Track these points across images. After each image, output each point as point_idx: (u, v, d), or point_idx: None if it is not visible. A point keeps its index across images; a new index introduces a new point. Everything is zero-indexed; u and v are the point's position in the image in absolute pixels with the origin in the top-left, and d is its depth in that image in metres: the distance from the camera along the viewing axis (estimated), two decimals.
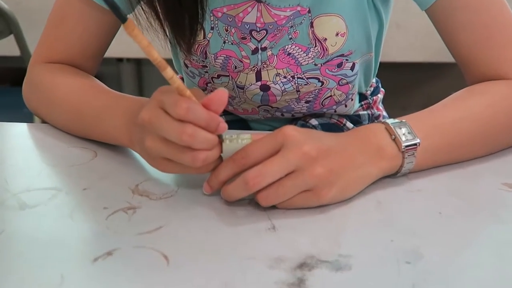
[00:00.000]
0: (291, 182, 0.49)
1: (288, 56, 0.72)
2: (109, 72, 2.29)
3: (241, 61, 0.73)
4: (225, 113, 0.87)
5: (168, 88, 0.52)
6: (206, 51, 0.74)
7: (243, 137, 0.52)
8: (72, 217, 0.51)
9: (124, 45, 1.06)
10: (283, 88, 0.76)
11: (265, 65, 0.73)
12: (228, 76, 0.76)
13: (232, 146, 0.52)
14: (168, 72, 0.47)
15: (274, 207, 0.52)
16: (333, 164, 0.51)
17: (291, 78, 0.75)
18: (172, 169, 0.52)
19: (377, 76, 0.93)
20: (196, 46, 0.73)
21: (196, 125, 0.48)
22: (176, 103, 0.48)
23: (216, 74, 0.77)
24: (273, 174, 0.49)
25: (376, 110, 0.91)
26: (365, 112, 0.89)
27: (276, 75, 0.74)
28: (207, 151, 0.49)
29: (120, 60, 2.28)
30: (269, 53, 0.72)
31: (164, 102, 0.50)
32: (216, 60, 0.74)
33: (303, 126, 0.83)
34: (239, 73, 0.75)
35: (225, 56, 0.73)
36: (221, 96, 0.49)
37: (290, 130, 0.51)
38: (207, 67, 0.76)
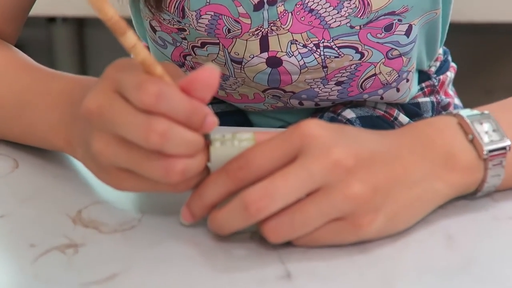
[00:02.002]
0: (314, 207, 0.49)
1: (310, 14, 0.73)
2: (36, 39, 2.29)
3: (238, 21, 0.73)
4: (213, 101, 0.87)
5: (128, 63, 0.52)
6: (183, 7, 0.74)
7: (242, 138, 0.53)
8: None
9: None
10: (301, 62, 0.76)
11: (274, 28, 0.74)
12: (218, 44, 0.76)
13: (224, 151, 0.52)
14: (129, 39, 0.47)
15: (288, 244, 0.52)
16: (379, 178, 0.51)
17: (314, 48, 0.75)
18: (134, 186, 0.53)
19: (446, 45, 0.94)
20: None
21: (170, 118, 0.48)
22: (140, 86, 0.48)
23: (199, 42, 0.77)
24: (286, 194, 0.49)
25: (444, 96, 0.91)
26: (427, 98, 0.89)
27: (292, 43, 0.75)
28: (187, 158, 0.49)
29: (51, 20, 2.29)
30: (281, 9, 0.73)
31: (122, 83, 0.50)
32: (199, 21, 0.74)
33: (332, 120, 0.84)
34: (234, 40, 0.75)
35: (213, 13, 0.73)
36: (209, 74, 0.49)
37: (313, 127, 0.51)
38: (185, 31, 0.76)
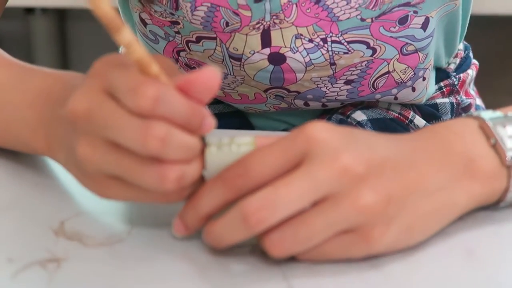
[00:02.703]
0: (321, 218, 0.50)
1: (317, 5, 0.73)
2: (13, 31, 2.29)
3: (237, 13, 0.73)
4: (210, 101, 0.87)
5: (119, 59, 0.52)
6: None
7: (240, 142, 0.53)
8: None
9: None
10: (307, 59, 0.76)
11: (277, 21, 0.74)
12: (215, 38, 0.77)
13: (221, 157, 0.52)
14: (125, 36, 0.48)
15: (292, 259, 0.52)
16: (392, 187, 0.51)
17: (321, 43, 0.75)
18: (122, 195, 0.53)
19: (466, 40, 0.94)
20: None
21: (169, 122, 0.49)
22: (136, 89, 0.48)
23: (195, 36, 0.77)
24: (289, 204, 0.49)
25: (464, 97, 0.91)
26: (446, 99, 0.90)
27: (296, 38, 0.75)
28: (183, 164, 0.50)
29: (30, 11, 2.29)
30: (284, 0, 0.73)
31: (114, 84, 0.50)
32: (194, 12, 0.74)
33: (341, 123, 0.84)
34: (232, 34, 0.75)
35: (209, 5, 0.73)
36: (210, 77, 0.49)
37: (319, 130, 0.51)
38: (179, 24, 0.77)
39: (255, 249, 0.53)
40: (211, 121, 0.50)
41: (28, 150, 0.64)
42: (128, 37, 0.48)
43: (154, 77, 0.49)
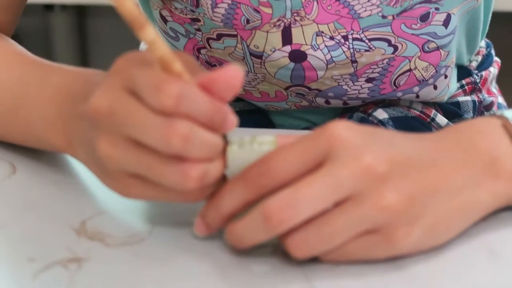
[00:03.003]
0: (344, 218, 0.49)
1: (338, 2, 0.73)
2: (33, 28, 2.30)
3: (257, 10, 0.73)
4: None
5: (141, 57, 0.52)
6: None
7: (262, 141, 0.53)
8: None
9: None
10: (328, 56, 0.76)
11: (298, 18, 0.74)
12: (236, 36, 0.76)
13: (243, 156, 0.52)
14: (148, 34, 0.47)
15: (314, 259, 0.52)
16: (415, 187, 0.51)
17: (342, 40, 0.75)
18: (142, 193, 0.53)
19: (488, 37, 0.93)
20: None
21: (192, 120, 0.49)
22: (159, 87, 0.48)
23: (215, 33, 0.77)
24: (311, 204, 0.49)
25: (486, 95, 0.91)
26: (468, 97, 0.89)
27: (317, 35, 0.75)
28: (206, 163, 0.50)
29: (49, 7, 2.30)
30: None
31: (137, 82, 0.50)
32: (215, 9, 0.74)
33: (362, 121, 0.84)
34: (253, 32, 0.75)
35: (230, 2, 0.73)
36: (233, 75, 0.49)
37: (342, 129, 0.51)
38: (199, 21, 0.77)
39: (276, 249, 0.53)
40: (233, 119, 0.50)
41: (48, 147, 0.64)
42: (151, 35, 0.47)
43: (177, 75, 0.49)
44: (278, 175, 0.50)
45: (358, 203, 0.49)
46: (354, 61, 0.76)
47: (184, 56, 0.52)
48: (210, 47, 0.79)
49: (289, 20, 0.74)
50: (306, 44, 0.75)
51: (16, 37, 0.75)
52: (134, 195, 0.53)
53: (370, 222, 0.50)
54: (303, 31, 0.74)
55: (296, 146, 0.51)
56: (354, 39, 0.75)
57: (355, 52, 0.75)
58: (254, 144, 0.52)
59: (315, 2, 0.72)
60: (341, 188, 0.49)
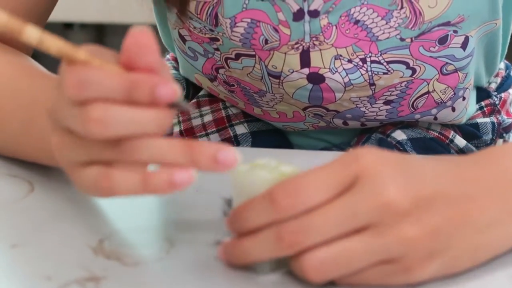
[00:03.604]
0: (362, 246, 0.49)
1: (356, 26, 0.73)
2: None
3: (277, 30, 0.73)
4: (248, 119, 0.88)
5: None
6: (216, 13, 0.74)
7: (286, 169, 0.53)
8: None
9: (75, 3, 1.08)
10: (346, 79, 0.76)
11: (316, 42, 0.74)
12: (254, 56, 0.76)
13: (250, 178, 0.52)
14: (31, 34, 0.47)
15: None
16: (439, 221, 0.50)
17: (360, 63, 0.75)
18: (93, 178, 0.51)
19: (507, 59, 0.93)
20: (201, 4, 0.74)
21: (106, 100, 0.48)
22: (62, 79, 0.49)
23: (234, 53, 0.77)
24: (324, 232, 0.49)
25: (505, 116, 0.90)
26: (487, 119, 0.89)
27: (335, 58, 0.74)
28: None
29: (69, 26, 2.31)
30: (324, 22, 0.72)
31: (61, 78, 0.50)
32: (234, 29, 0.74)
33: (381, 142, 0.83)
34: (271, 52, 0.75)
35: (249, 21, 0.73)
36: (138, 36, 0.48)
37: (371, 159, 0.50)
38: (218, 40, 0.76)
39: (278, 268, 0.53)
40: (168, 87, 0.48)
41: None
42: (35, 34, 0.47)
43: (83, 63, 0.48)
44: (307, 197, 0.49)
45: (378, 233, 0.49)
46: (372, 84, 0.76)
47: (96, 49, 0.52)
48: (229, 67, 0.79)
49: (307, 44, 0.74)
50: (325, 68, 0.75)
51: (35, 55, 0.75)
52: (81, 187, 0.52)
53: (388, 253, 0.49)
54: (321, 55, 0.74)
55: (326, 170, 0.50)
56: (372, 61, 0.74)
57: (373, 75, 0.75)
58: (275, 168, 0.52)
59: (334, 27, 0.72)
60: (355, 220, 0.49)
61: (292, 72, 0.76)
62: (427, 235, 0.49)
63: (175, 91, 0.48)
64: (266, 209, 0.50)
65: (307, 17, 0.72)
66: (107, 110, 0.47)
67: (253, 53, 0.76)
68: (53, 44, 0.47)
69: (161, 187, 0.48)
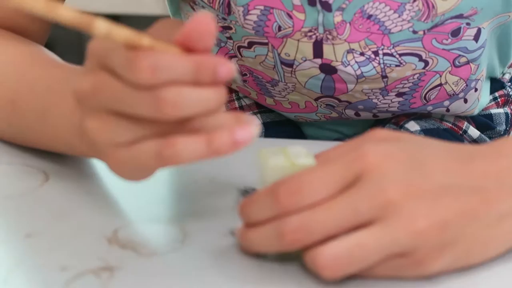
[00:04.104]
0: (374, 239, 0.49)
1: (368, 20, 0.72)
2: (66, 38, 2.32)
3: (290, 16, 0.73)
4: (261, 110, 0.88)
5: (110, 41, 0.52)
6: (229, 1, 0.74)
7: (300, 155, 0.53)
8: (7, 283, 0.51)
9: None
10: (359, 72, 0.76)
11: (329, 36, 0.73)
12: (267, 44, 0.76)
13: (279, 167, 0.52)
14: (100, 27, 0.47)
15: None
16: (449, 213, 0.50)
17: (372, 56, 0.75)
18: (135, 161, 0.51)
19: None
20: None
21: (177, 84, 0.48)
22: (130, 63, 0.48)
23: (246, 41, 0.77)
24: (326, 229, 0.49)
25: None
26: (501, 110, 0.89)
27: (348, 52, 0.74)
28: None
29: None
30: (338, 19, 0.72)
31: (111, 61, 0.50)
32: (247, 17, 0.74)
33: None
34: (285, 40, 0.75)
35: (263, 8, 0.73)
36: (201, 19, 0.48)
37: (376, 155, 0.50)
38: (231, 29, 0.76)
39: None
40: (227, 67, 0.49)
41: (76, 153, 0.65)
42: (104, 26, 0.47)
43: (148, 49, 0.49)
44: (309, 196, 0.50)
45: (387, 227, 0.49)
46: (384, 76, 0.76)
47: (162, 24, 0.52)
48: (241, 56, 0.78)
49: (321, 35, 0.73)
50: (337, 61, 0.75)
51: (48, 47, 0.75)
52: (126, 169, 0.53)
53: (399, 246, 0.49)
54: (334, 49, 0.74)
55: (329, 168, 0.50)
56: (384, 54, 0.74)
57: (385, 67, 0.75)
58: (292, 158, 0.53)
59: (348, 24, 0.72)
60: (359, 217, 0.49)
61: (305, 61, 0.76)
62: (436, 228, 0.49)
63: (233, 68, 0.49)
64: (269, 205, 0.50)
65: (319, 6, 0.72)
66: (180, 92, 0.48)
67: (266, 41, 0.76)
68: (120, 33, 0.48)
69: (225, 147, 0.49)
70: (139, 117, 0.49)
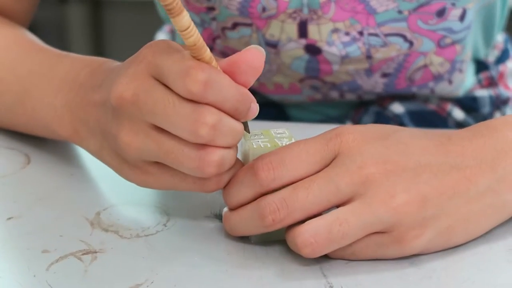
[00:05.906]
0: (353, 216, 0.49)
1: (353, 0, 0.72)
2: (48, 20, 2.31)
3: None
4: None
5: (168, 45, 0.51)
6: None
7: (280, 135, 0.53)
8: None
9: None
10: (343, 52, 0.75)
11: (315, 16, 0.73)
12: (251, 25, 0.76)
13: (260, 148, 0.52)
14: (184, 20, 0.47)
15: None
16: (428, 189, 0.50)
17: (357, 36, 0.74)
18: (161, 183, 0.52)
19: (506, 31, 0.92)
20: None
21: (219, 108, 0.48)
22: (187, 73, 0.48)
23: (231, 23, 0.76)
24: (307, 207, 0.49)
25: (504, 89, 0.90)
26: (485, 92, 0.89)
27: (333, 31, 0.74)
28: (223, 149, 0.49)
29: (64, 0, 2.30)
30: None
31: (164, 68, 0.49)
32: None
33: (378, 115, 0.84)
34: (269, 21, 0.75)
35: None
36: (254, 55, 0.49)
37: (350, 131, 0.51)
38: (215, 10, 0.76)
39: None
40: (257, 106, 0.50)
41: (55, 136, 0.64)
42: (187, 21, 0.47)
43: (206, 61, 0.49)
44: (288, 171, 0.50)
45: (366, 203, 0.49)
46: (369, 57, 0.76)
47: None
48: (226, 37, 0.78)
49: (306, 16, 0.73)
50: (322, 41, 0.74)
51: (31, 29, 0.75)
52: (152, 184, 0.53)
53: (380, 222, 0.49)
54: (319, 29, 0.74)
55: (308, 144, 0.51)
56: (369, 34, 0.74)
57: (370, 47, 0.75)
58: (275, 139, 0.53)
59: (333, 3, 0.72)
60: (339, 194, 0.49)
61: (289, 42, 0.75)
62: (415, 203, 0.49)
63: (257, 110, 0.50)
64: (249, 182, 0.51)
65: None
66: (221, 117, 0.48)
67: (250, 22, 0.75)
68: (195, 35, 0.48)
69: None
70: (172, 133, 0.49)
